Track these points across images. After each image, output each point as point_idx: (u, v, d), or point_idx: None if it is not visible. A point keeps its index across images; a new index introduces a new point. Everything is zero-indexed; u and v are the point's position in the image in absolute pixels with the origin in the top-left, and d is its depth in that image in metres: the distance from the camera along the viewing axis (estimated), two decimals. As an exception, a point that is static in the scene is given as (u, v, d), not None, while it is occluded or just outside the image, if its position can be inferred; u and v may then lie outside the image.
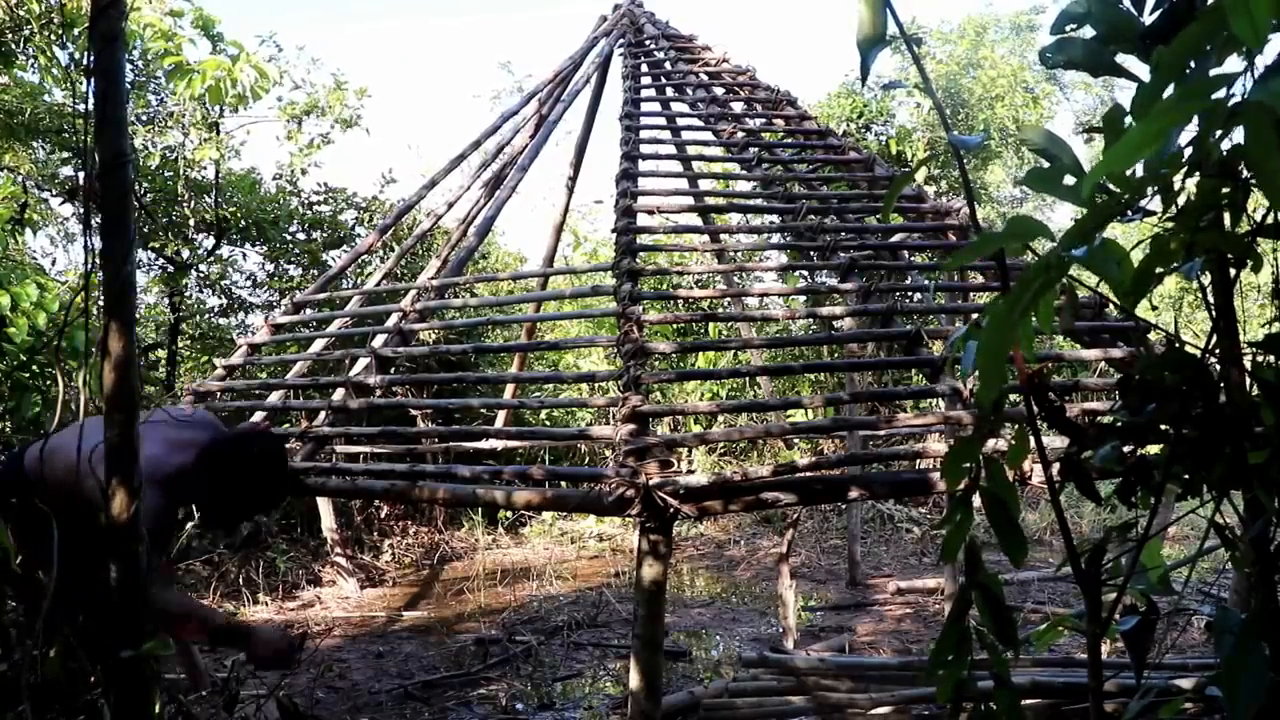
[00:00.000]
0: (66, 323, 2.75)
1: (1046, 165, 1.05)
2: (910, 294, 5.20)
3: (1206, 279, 1.12)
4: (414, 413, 6.00)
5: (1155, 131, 0.67)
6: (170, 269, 7.43)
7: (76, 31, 5.30)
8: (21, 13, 5.16)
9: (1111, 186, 0.97)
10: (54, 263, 8.16)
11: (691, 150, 4.54)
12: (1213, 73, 0.72)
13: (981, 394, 0.93)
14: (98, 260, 1.76)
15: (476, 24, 46.09)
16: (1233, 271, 1.12)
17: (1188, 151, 0.94)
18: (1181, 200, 0.98)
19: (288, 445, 4.03)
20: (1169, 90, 0.72)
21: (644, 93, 4.87)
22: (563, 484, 4.71)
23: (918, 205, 3.90)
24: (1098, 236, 0.89)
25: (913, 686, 3.08)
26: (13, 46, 5.29)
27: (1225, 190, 0.94)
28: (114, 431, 1.76)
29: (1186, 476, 1.09)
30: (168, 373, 7.48)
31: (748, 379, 8.35)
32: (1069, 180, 0.97)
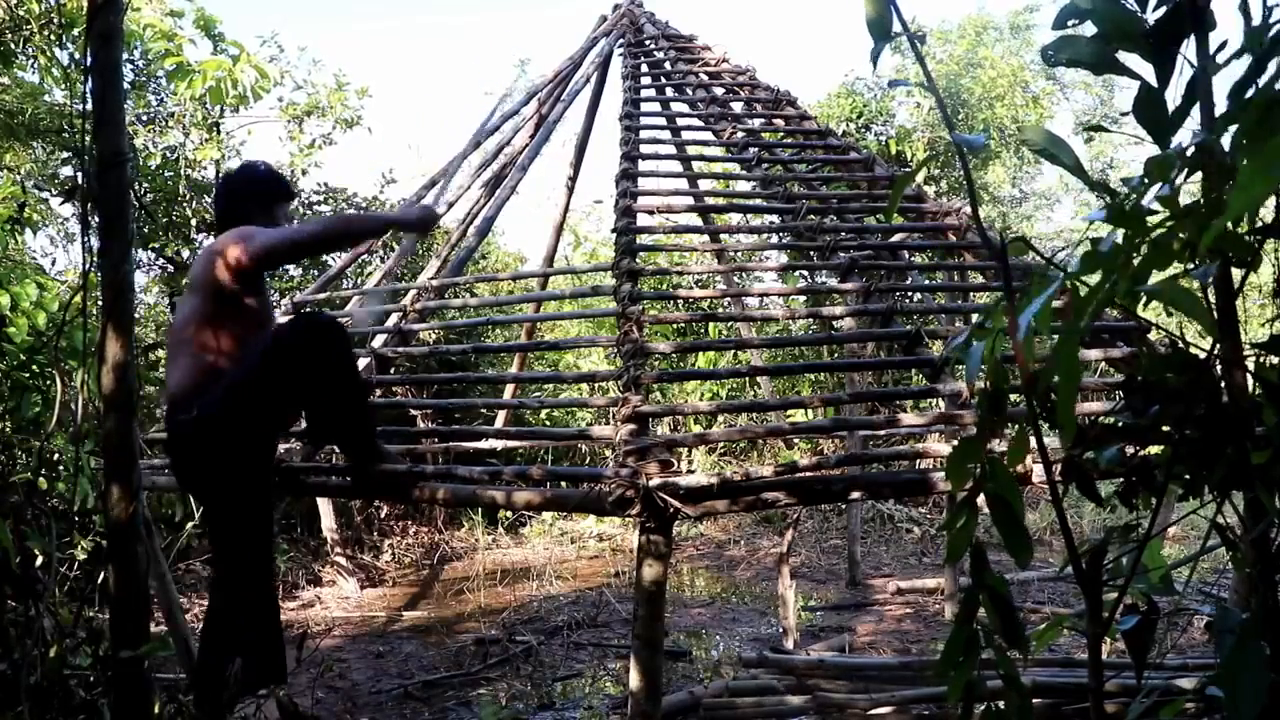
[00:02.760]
0: (66, 322, 2.75)
1: (1070, 177, 1.04)
2: (910, 294, 5.21)
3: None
4: (414, 413, 6.01)
5: (1266, 169, 0.67)
6: (170, 269, 7.43)
7: (76, 31, 5.30)
8: (21, 13, 5.16)
9: (1120, 188, 0.97)
10: (54, 263, 8.16)
11: (691, 150, 4.54)
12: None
13: (1064, 422, 0.94)
14: (96, 260, 1.76)
15: (477, 23, 46.17)
16: (1235, 272, 1.12)
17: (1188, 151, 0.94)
18: (1183, 200, 0.98)
19: (288, 445, 4.04)
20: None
21: (644, 93, 4.86)
22: (563, 484, 4.71)
23: (918, 205, 3.90)
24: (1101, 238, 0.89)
25: (913, 686, 3.08)
26: (12, 46, 5.29)
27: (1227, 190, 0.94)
28: (113, 432, 1.76)
29: (1188, 477, 1.08)
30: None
31: (748, 379, 8.35)
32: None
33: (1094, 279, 0.87)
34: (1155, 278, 0.92)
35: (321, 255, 2.90)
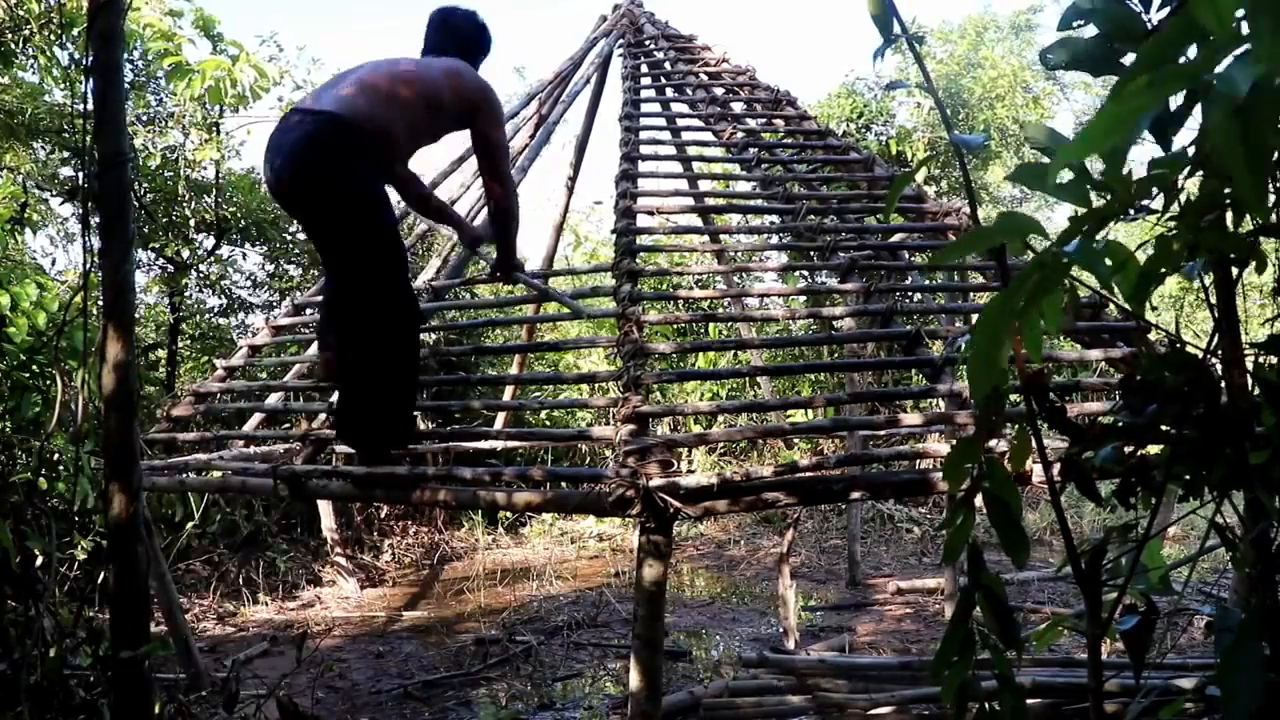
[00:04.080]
0: (66, 322, 2.75)
1: (1068, 174, 1.04)
2: (910, 294, 5.21)
3: (1208, 279, 1.12)
4: (414, 413, 6.00)
5: (1125, 114, 0.67)
6: (170, 269, 7.43)
7: (76, 31, 5.30)
8: (21, 13, 5.16)
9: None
10: (54, 263, 8.16)
11: (691, 150, 4.54)
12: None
13: (974, 391, 0.93)
14: (97, 260, 1.76)
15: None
16: (1234, 272, 1.12)
17: (1189, 151, 0.94)
18: (1183, 200, 0.98)
19: (288, 447, 4.04)
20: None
21: (644, 93, 4.86)
22: (563, 485, 4.72)
23: (918, 205, 3.90)
24: (1097, 236, 0.88)
25: (913, 686, 3.08)
26: (13, 46, 5.28)
27: (1227, 190, 0.94)
28: (113, 432, 1.76)
29: (1187, 477, 1.08)
30: (168, 373, 7.47)
31: (748, 379, 8.35)
32: (1064, 176, 0.96)
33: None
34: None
35: (493, 219, 3.35)
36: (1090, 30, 1.11)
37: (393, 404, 2.95)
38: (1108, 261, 0.91)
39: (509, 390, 5.77)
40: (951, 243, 3.56)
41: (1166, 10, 1.05)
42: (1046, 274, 0.84)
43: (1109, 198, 0.90)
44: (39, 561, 2.42)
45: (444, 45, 3.23)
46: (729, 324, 7.27)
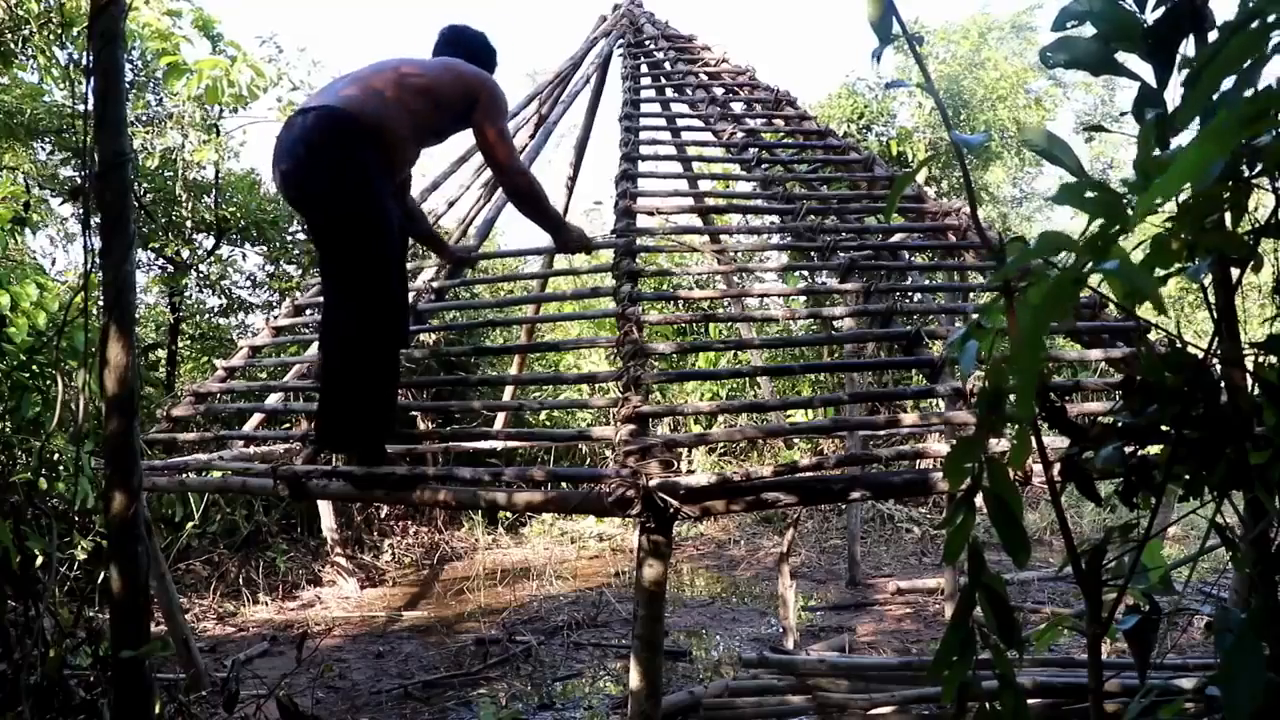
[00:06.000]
0: (66, 322, 2.75)
1: (1070, 178, 1.04)
2: (910, 294, 5.21)
3: (1208, 279, 1.12)
4: (414, 414, 6.01)
5: (1203, 160, 0.67)
6: (170, 269, 7.43)
7: (76, 31, 5.30)
8: (21, 13, 5.16)
9: (1120, 188, 0.96)
10: (54, 263, 8.15)
11: (691, 150, 4.54)
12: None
13: (1023, 411, 0.93)
14: (97, 260, 1.76)
15: (478, 23, 46.13)
16: (1234, 272, 1.12)
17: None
18: (1183, 200, 0.98)
19: (288, 447, 4.04)
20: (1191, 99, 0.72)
21: (644, 93, 4.86)
22: (563, 485, 4.72)
23: (918, 205, 3.90)
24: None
25: (913, 686, 3.08)
26: (13, 46, 5.28)
27: (1227, 190, 0.94)
28: (115, 433, 1.76)
29: (1188, 477, 1.09)
30: (168, 373, 7.47)
31: (748, 379, 8.35)
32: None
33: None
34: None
35: (516, 208, 3.21)
36: (1088, 29, 1.11)
37: (368, 408, 2.87)
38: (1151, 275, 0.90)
39: (509, 390, 5.76)
40: (1001, 269, 3.57)
41: (1161, 10, 1.05)
42: (1073, 284, 0.84)
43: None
44: (39, 561, 2.42)
45: (453, 55, 3.24)
46: (729, 324, 7.27)
